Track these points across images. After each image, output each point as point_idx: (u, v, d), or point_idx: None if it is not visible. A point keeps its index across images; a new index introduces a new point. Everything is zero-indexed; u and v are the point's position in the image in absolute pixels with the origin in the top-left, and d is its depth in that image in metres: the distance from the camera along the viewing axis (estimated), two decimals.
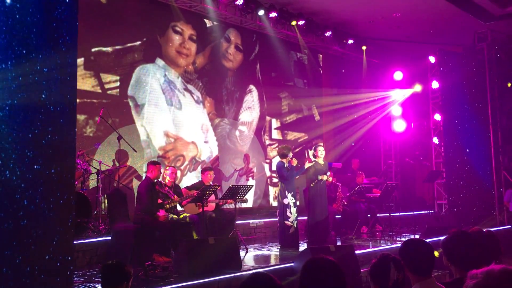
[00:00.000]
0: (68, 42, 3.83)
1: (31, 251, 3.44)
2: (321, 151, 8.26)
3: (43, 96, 3.65)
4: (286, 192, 7.85)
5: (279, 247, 7.94)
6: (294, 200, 7.89)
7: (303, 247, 7.87)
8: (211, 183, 8.09)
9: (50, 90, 3.68)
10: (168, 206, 7.08)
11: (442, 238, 3.30)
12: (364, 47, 13.10)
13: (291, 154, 8.04)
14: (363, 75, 13.48)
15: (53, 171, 3.67)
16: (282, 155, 8.03)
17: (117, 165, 8.53)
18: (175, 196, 7.26)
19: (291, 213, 7.82)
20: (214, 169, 10.00)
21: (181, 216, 7.34)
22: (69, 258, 3.73)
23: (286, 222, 7.83)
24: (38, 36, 3.62)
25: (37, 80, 3.61)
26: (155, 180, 7.07)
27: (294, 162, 7.91)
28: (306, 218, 8.40)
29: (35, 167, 3.58)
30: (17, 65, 3.49)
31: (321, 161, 8.25)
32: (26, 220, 3.44)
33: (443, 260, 3.20)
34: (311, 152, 8.47)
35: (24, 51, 3.55)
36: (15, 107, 3.46)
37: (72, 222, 3.73)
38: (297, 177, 8.20)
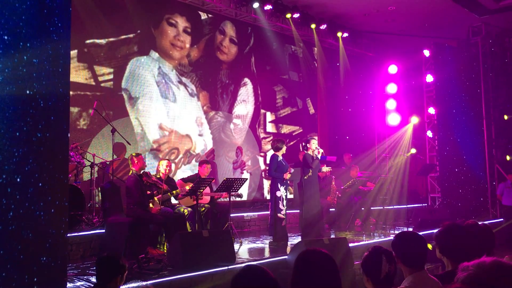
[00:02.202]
0: (61, 32, 3.57)
1: (20, 259, 3.20)
2: (314, 144, 8.24)
3: (33, 89, 3.37)
4: (279, 185, 7.86)
5: (271, 240, 7.96)
6: (286, 193, 7.91)
7: (295, 239, 7.91)
8: (207, 176, 8.09)
9: (41, 83, 3.41)
10: (156, 198, 7.04)
11: (435, 231, 3.32)
12: (339, 34, 12.81)
13: (284, 148, 8.03)
14: (340, 64, 13.39)
15: (44, 170, 3.40)
16: (276, 148, 8.04)
17: (114, 157, 8.50)
18: (163, 184, 7.21)
19: (283, 205, 7.83)
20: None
21: (182, 209, 7.33)
22: (63, 263, 3.50)
23: (279, 214, 7.84)
24: (28, 24, 3.34)
25: (27, 72, 3.32)
26: (142, 172, 7.02)
27: (288, 176, 7.92)
28: (297, 211, 8.41)
29: (25, 167, 3.29)
30: (4, 56, 3.22)
31: (311, 152, 8.19)
32: (15, 225, 3.19)
33: (436, 252, 3.22)
34: (305, 145, 8.42)
35: (12, 41, 3.27)
36: (3, 101, 3.21)
37: (65, 227, 3.49)
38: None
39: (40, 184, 3.39)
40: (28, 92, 3.36)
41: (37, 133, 3.38)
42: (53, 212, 3.43)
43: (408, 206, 11.46)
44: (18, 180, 3.26)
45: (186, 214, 7.31)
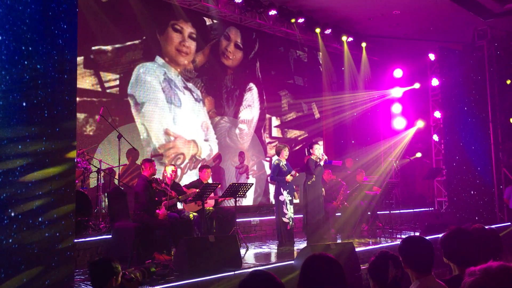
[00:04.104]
0: (67, 36, 3.37)
1: (24, 282, 2.99)
2: (317, 149, 8.22)
3: (38, 97, 3.16)
4: (282, 189, 7.89)
5: (277, 244, 7.96)
6: (290, 198, 7.92)
7: (301, 244, 7.90)
8: (209, 181, 8.11)
9: (46, 91, 3.22)
10: (167, 203, 7.06)
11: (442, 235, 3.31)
12: (363, 44, 13.14)
13: (286, 152, 8.03)
14: (362, 73, 13.48)
15: (50, 183, 3.19)
16: (277, 153, 8.09)
17: (127, 163, 8.56)
18: (172, 192, 7.25)
19: (287, 209, 7.85)
20: (215, 167, 10.02)
21: (188, 214, 7.36)
22: (69, 280, 3.33)
23: (283, 218, 7.87)
24: (33, 28, 3.15)
25: (31, 79, 3.13)
26: (152, 178, 7.06)
27: (290, 178, 7.91)
28: (302, 215, 8.42)
29: (30, 180, 3.07)
30: (8, 62, 3.03)
31: (314, 158, 8.17)
32: (18, 243, 2.99)
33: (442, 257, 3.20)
34: (308, 149, 8.39)
35: (16, 46, 3.07)
36: (7, 110, 3.00)
37: (72, 246, 3.34)
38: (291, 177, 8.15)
39: (46, 199, 3.17)
40: (32, 100, 3.17)
41: (42, 144, 3.20)
42: (59, 227, 3.23)
43: (415, 210, 11.41)
44: (22, 193, 3.04)
45: (192, 219, 7.32)
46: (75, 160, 6.50)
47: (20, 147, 3.06)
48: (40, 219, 3.15)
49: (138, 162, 9.15)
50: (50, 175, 3.22)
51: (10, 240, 3.00)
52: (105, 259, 3.62)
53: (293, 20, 11.38)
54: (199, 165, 10.15)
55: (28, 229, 3.07)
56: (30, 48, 3.17)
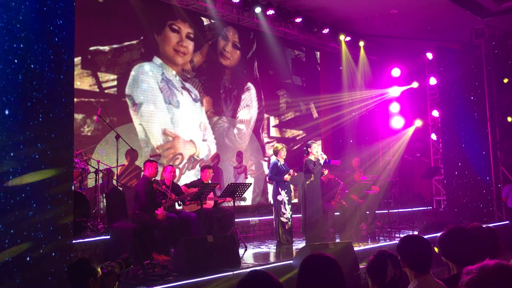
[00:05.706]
0: (64, 34, 3.19)
1: None
2: (315, 148, 8.22)
3: (33, 99, 2.95)
4: (280, 189, 7.92)
5: (276, 244, 7.97)
6: (288, 197, 7.94)
7: (300, 244, 7.90)
8: (209, 181, 8.12)
9: (42, 92, 3.01)
10: (166, 205, 7.06)
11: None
12: (361, 43, 13.15)
13: (284, 152, 8.05)
14: (360, 72, 13.50)
15: (46, 190, 3.00)
16: (275, 153, 8.12)
17: (126, 163, 8.56)
18: (172, 194, 7.26)
19: (285, 209, 7.86)
20: (213, 167, 10.01)
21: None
22: None
23: (282, 218, 7.89)
24: (28, 26, 2.95)
25: (26, 80, 2.93)
26: (153, 179, 7.06)
27: (288, 178, 7.93)
28: (300, 215, 8.43)
29: (24, 188, 2.85)
30: (1, 62, 2.84)
31: (312, 158, 8.18)
32: (12, 257, 2.84)
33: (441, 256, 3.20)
34: (305, 149, 8.39)
35: (10, 45, 2.88)
36: (0, 113, 2.81)
37: (69, 259, 3.21)
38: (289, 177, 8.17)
39: (41, 208, 2.97)
40: (27, 103, 2.96)
41: (38, 149, 3.00)
42: (56, 236, 3.05)
43: (413, 209, 11.41)
44: (17, 202, 2.86)
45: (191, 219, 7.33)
46: (73, 161, 6.52)
47: (12, 154, 2.85)
48: (36, 227, 3.00)
49: (137, 162, 9.16)
50: (46, 183, 3.03)
51: (4, 249, 2.87)
52: (82, 260, 3.60)
53: (322, 30, 11.35)
54: (198, 165, 10.20)
55: (23, 237, 2.93)
56: (24, 47, 2.97)
